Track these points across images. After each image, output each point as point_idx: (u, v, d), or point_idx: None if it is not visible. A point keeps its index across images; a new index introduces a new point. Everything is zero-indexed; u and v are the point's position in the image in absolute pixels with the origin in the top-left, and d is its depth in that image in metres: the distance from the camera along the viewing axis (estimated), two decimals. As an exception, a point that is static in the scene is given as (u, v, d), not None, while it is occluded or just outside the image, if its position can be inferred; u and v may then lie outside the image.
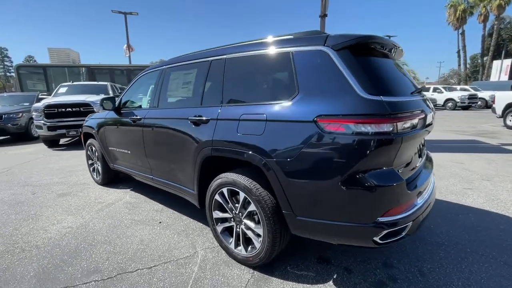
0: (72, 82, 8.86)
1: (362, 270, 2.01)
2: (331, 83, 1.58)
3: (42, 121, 6.88)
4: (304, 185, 1.64)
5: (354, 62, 1.55)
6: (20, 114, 8.22)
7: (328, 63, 1.60)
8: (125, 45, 15.31)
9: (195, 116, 2.24)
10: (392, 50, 1.90)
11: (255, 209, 1.88)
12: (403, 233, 1.61)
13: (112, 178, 4.05)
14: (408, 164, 1.71)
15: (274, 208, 1.80)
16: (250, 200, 1.89)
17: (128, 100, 3.34)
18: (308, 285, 1.88)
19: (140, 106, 3.17)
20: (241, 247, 2.08)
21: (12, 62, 48.49)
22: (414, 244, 2.31)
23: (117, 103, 3.34)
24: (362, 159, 1.45)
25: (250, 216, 1.99)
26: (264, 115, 1.79)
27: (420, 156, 1.97)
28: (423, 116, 1.66)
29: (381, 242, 1.55)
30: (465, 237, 2.40)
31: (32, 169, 5.22)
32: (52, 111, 6.84)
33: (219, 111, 2.10)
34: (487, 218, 2.75)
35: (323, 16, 6.21)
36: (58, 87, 8.56)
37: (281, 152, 1.68)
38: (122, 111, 3.30)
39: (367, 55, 1.65)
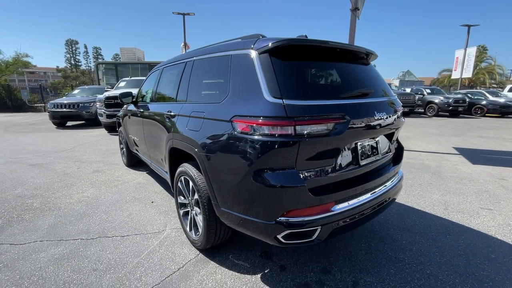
0: (130, 77, 10.32)
1: (296, 270, 2.04)
2: (248, 85, 1.66)
3: (103, 110, 8.29)
4: (222, 179, 1.78)
5: (270, 65, 1.60)
6: (92, 103, 10.01)
7: (251, 66, 1.68)
8: (182, 43, 16.89)
9: (167, 111, 2.55)
10: (333, 53, 1.83)
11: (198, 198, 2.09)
12: (313, 237, 1.61)
13: (135, 161, 4.74)
14: (332, 168, 1.67)
15: (208, 198, 1.98)
16: (195, 189, 2.11)
17: (140, 94, 3.88)
18: (237, 274, 2.01)
19: (146, 100, 3.66)
20: (192, 231, 2.32)
21: (104, 59, 58.03)
22: (369, 256, 2.19)
23: (135, 97, 3.92)
24: (262, 159, 1.52)
25: (197, 203, 2.21)
26: (204, 113, 1.98)
27: (364, 158, 1.86)
28: (344, 120, 1.59)
29: (284, 241, 1.59)
30: (435, 259, 2.15)
31: (88, 148, 6.43)
32: (110, 102, 8.17)
33: (182, 107, 2.35)
34: (481, 244, 2.36)
35: (354, 9, 5.81)
36: (119, 81, 10.13)
37: (208, 147, 1.84)
38: (138, 104, 3.85)
39: (290, 59, 1.67)
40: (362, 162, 1.84)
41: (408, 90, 16.81)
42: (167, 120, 2.57)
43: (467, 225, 2.68)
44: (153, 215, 2.96)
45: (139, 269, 2.07)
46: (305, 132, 1.49)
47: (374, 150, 1.96)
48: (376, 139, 1.97)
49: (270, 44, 1.63)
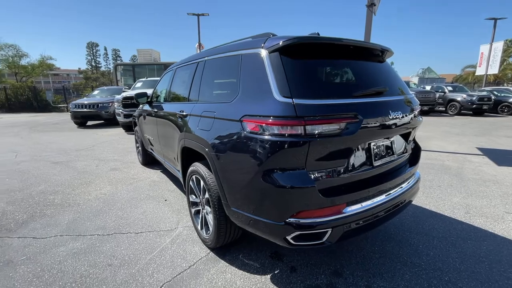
0: (147, 78, 10.59)
1: (307, 272, 2.01)
2: (259, 84, 1.65)
3: (120, 110, 8.56)
4: (232, 178, 1.78)
5: (280, 64, 1.58)
6: (110, 103, 10.36)
7: (261, 65, 1.67)
8: (197, 44, 17.11)
9: (180, 111, 2.58)
10: (346, 50, 1.78)
11: (209, 197, 2.11)
12: (324, 239, 1.57)
13: (150, 160, 4.85)
14: (344, 169, 1.62)
15: (218, 197, 1.99)
16: (205, 188, 2.13)
17: (155, 95, 3.96)
18: (247, 273, 2.01)
19: (160, 100, 3.73)
20: (203, 229, 2.35)
21: (122, 60, 59.96)
22: (383, 260, 2.12)
23: (150, 97, 4.01)
24: (271, 159, 1.50)
25: (208, 202, 2.22)
26: (215, 113, 1.98)
27: (378, 159, 1.79)
28: (356, 120, 1.54)
29: (294, 243, 1.57)
30: (454, 265, 2.04)
31: (106, 147, 6.66)
32: (127, 102, 8.40)
33: (194, 107, 2.38)
34: (506, 250, 2.22)
35: (370, 5, 5.63)
36: (136, 82, 10.42)
37: (218, 147, 1.85)
38: (152, 104, 3.94)
39: (300, 57, 1.63)
40: (376, 163, 1.77)
41: (428, 87, 16.16)
42: (180, 120, 2.60)
43: (490, 230, 2.53)
44: (166, 213, 3.02)
45: (152, 265, 2.12)
46: (316, 132, 1.45)
47: (389, 151, 1.89)
48: (391, 139, 1.90)
49: (280, 43, 1.61)
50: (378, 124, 1.67)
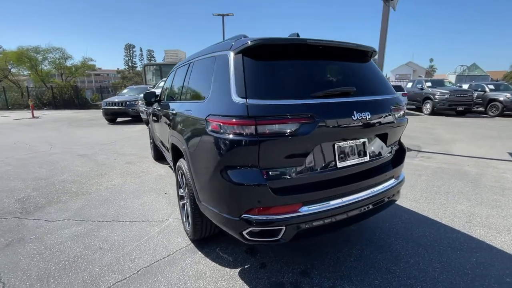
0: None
1: (276, 269, 2.04)
2: (223, 85, 1.72)
3: (143, 108, 9.10)
4: (199, 174, 1.88)
5: (241, 66, 1.64)
6: (137, 101, 11.06)
7: (226, 67, 1.74)
8: (221, 44, 17.54)
9: (171, 109, 2.75)
10: (314, 50, 1.78)
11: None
12: (278, 237, 1.61)
13: (160, 155, 5.14)
14: (301, 169, 1.63)
15: (193, 192, 2.10)
16: (185, 183, 2.26)
17: (162, 93, 4.20)
18: (218, 266, 2.10)
19: (163, 99, 3.95)
20: (186, 222, 2.48)
21: (156, 61, 63.22)
22: (357, 263, 2.08)
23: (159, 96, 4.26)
24: (226, 157, 1.57)
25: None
26: (191, 111, 2.10)
27: (343, 160, 1.76)
28: (311, 120, 1.55)
29: (249, 238, 1.62)
30: (432, 275, 1.94)
31: (127, 142, 7.17)
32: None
33: (180, 106, 2.52)
34: (498, 264, 2.05)
35: (387, 0, 5.35)
36: (159, 81, 11.00)
37: (190, 144, 1.96)
38: (160, 102, 4.19)
39: (263, 58, 1.68)
40: (341, 164, 1.75)
41: (465, 86, 14.84)
42: (171, 118, 2.77)
43: (488, 242, 2.34)
44: (163, 205, 3.22)
45: (136, 252, 2.30)
46: (267, 131, 1.49)
47: (360, 152, 1.85)
48: (362, 140, 1.85)
49: (243, 45, 1.67)
50: (339, 125, 1.65)
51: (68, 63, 23.18)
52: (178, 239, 2.49)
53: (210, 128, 1.70)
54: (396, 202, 3.12)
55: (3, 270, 2.09)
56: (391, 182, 2.05)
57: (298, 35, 2.19)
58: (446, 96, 12.50)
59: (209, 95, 1.90)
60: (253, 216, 1.57)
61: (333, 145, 1.72)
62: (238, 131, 1.51)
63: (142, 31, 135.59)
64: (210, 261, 2.17)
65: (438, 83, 14.73)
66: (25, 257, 2.25)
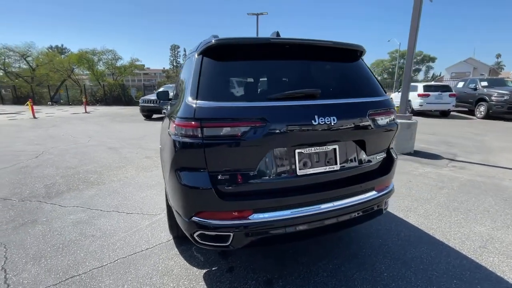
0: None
1: (241, 275, 1.99)
2: (186, 86, 1.72)
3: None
4: (165, 173, 1.91)
5: (199, 67, 1.62)
6: (170, 99, 11.73)
7: (191, 68, 1.74)
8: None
9: (165, 109, 2.85)
10: (280, 50, 1.67)
11: (167, 189, 2.30)
12: (228, 243, 1.56)
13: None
14: (253, 174, 1.56)
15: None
16: (165, 181, 2.33)
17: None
18: (188, 265, 2.13)
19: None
20: (170, 218, 2.56)
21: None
22: (329, 280, 1.92)
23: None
24: (177, 158, 1.57)
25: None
26: (165, 112, 2.15)
27: (305, 168, 1.64)
28: (261, 124, 1.46)
29: (199, 241, 1.61)
30: (411, 303, 1.70)
31: (153, 137, 7.65)
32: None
33: (169, 107, 2.60)
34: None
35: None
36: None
37: (161, 143, 2.01)
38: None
39: (222, 59, 1.63)
40: (302, 172, 1.63)
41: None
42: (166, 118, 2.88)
43: (499, 274, 1.97)
44: (161, 200, 3.37)
45: (120, 242, 2.45)
46: (213, 134, 1.46)
47: (329, 160, 1.70)
48: (331, 147, 1.69)
49: (205, 45, 1.65)
50: (296, 130, 1.53)
51: (118, 63, 25.64)
52: (162, 234, 2.58)
53: (170, 129, 1.72)
54: (400, 216, 2.82)
55: (10, 246, 2.40)
56: (371, 194, 1.84)
57: (278, 34, 2.10)
58: (505, 98, 10.83)
59: (178, 96, 1.93)
60: (201, 220, 1.55)
61: (294, 151, 1.61)
62: (185, 133, 1.50)
63: (186, 31, 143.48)
64: (182, 259, 2.21)
65: (497, 83, 12.84)
66: (31, 237, 2.55)
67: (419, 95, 12.30)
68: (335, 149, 1.71)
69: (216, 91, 1.55)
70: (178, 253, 2.29)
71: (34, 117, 13.12)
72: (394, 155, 2.01)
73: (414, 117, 5.83)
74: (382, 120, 1.82)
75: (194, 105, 1.49)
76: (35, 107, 15.61)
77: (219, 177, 1.54)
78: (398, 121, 5.09)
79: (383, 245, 2.34)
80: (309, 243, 2.36)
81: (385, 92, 1.98)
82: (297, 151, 1.61)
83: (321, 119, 1.55)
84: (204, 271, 2.06)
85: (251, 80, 1.66)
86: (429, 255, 2.19)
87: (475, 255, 2.19)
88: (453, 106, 12.30)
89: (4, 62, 25.28)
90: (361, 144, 1.81)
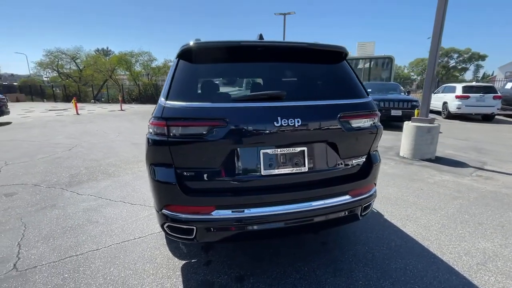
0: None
1: (217, 269, 2.07)
2: (163, 88, 1.84)
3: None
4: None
5: (174, 69, 1.73)
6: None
7: (170, 71, 1.86)
8: (281, 43, 17.55)
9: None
10: (252, 52, 1.71)
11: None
12: (192, 236, 1.65)
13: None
14: (216, 172, 1.62)
15: None
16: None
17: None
18: (170, 255, 2.27)
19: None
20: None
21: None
22: (299, 282, 1.91)
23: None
24: (149, 154, 1.70)
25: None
26: None
27: (270, 168, 1.66)
28: (222, 124, 1.52)
29: (169, 232, 1.72)
30: (378, 314, 1.63)
31: (174, 135, 8.06)
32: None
33: None
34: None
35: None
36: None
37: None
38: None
39: (195, 61, 1.72)
40: (266, 172, 1.65)
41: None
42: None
43: (473, 282, 1.79)
44: (164, 193, 3.58)
45: (118, 229, 2.68)
46: (178, 133, 1.55)
47: (297, 162, 1.70)
48: (299, 149, 1.69)
49: (181, 49, 1.76)
50: (258, 131, 1.56)
51: (153, 64, 27.31)
52: (156, 225, 2.76)
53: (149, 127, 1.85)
54: (397, 225, 2.68)
55: (28, 226, 2.75)
56: (343, 198, 1.80)
57: (261, 36, 2.13)
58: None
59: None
60: (169, 212, 1.66)
61: (259, 152, 1.64)
62: (155, 131, 1.62)
63: (217, 33, 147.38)
64: (167, 249, 2.35)
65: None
66: (47, 219, 2.89)
67: (457, 97, 11.29)
68: (303, 151, 1.70)
69: (185, 92, 1.65)
70: (165, 243, 2.44)
71: (77, 114, 14.55)
72: (375, 159, 1.93)
73: (450, 121, 5.42)
74: (358, 123, 1.77)
75: (163, 105, 1.61)
76: (79, 105, 17.29)
77: (184, 174, 1.63)
78: (417, 124, 4.80)
79: (368, 253, 2.25)
80: (290, 244, 2.36)
81: (367, 94, 1.91)
82: (262, 151, 1.64)
83: (284, 121, 1.56)
84: (184, 262, 2.18)
85: (220, 82, 1.73)
86: (415, 267, 2.06)
87: (469, 272, 2.01)
88: (498, 109, 11.07)
89: (58, 63, 28.30)
90: (334, 147, 1.77)
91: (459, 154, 5.57)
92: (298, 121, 1.59)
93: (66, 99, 25.69)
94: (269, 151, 1.65)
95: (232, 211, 1.62)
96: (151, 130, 1.66)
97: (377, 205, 3.16)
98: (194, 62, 1.74)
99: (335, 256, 2.21)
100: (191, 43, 1.70)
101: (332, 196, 1.77)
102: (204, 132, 1.54)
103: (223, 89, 1.71)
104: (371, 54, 15.11)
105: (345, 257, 2.20)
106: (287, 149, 1.68)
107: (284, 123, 1.57)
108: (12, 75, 60.73)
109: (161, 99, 1.67)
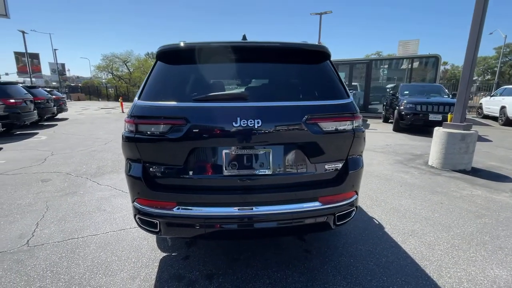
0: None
1: (191, 265, 2.12)
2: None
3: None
4: None
5: (151, 70, 1.82)
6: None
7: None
8: (317, 43, 17.07)
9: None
10: (223, 53, 1.72)
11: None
12: (157, 230, 1.73)
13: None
14: (179, 169, 1.66)
15: None
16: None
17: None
18: (154, 247, 2.39)
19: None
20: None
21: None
22: (269, 287, 1.86)
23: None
24: (123, 149, 1.81)
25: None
26: None
27: (233, 168, 1.65)
28: (182, 123, 1.55)
29: (140, 224, 1.82)
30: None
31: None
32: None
33: None
34: None
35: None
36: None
37: None
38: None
39: (168, 62, 1.80)
40: (228, 172, 1.64)
41: None
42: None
43: (484, 331, 1.53)
44: (171, 188, 3.78)
45: (121, 218, 2.91)
46: (143, 130, 1.63)
47: (262, 163, 1.66)
48: (263, 150, 1.65)
49: (158, 51, 1.85)
50: (218, 131, 1.56)
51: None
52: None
53: None
54: (397, 240, 2.44)
55: (50, 208, 3.14)
56: (311, 205, 1.69)
57: (245, 37, 2.13)
58: None
59: None
60: (137, 205, 1.76)
61: (221, 151, 1.64)
62: (128, 128, 1.73)
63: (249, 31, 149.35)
64: (154, 241, 2.48)
65: None
66: (66, 204, 3.27)
67: (517, 101, 9.79)
68: (268, 152, 1.66)
69: (156, 92, 1.73)
70: (153, 235, 2.57)
71: (123, 112, 16.07)
72: (353, 165, 1.78)
73: (507, 128, 4.75)
74: (329, 126, 1.66)
75: (135, 104, 1.71)
76: (127, 104, 19.02)
77: (151, 169, 1.71)
78: (448, 130, 4.29)
79: (351, 266, 2.09)
80: (272, 248, 2.30)
81: (348, 96, 1.78)
82: (224, 151, 1.64)
83: (243, 122, 1.54)
84: (165, 254, 2.27)
85: (188, 81, 1.76)
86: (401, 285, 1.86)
87: (466, 301, 1.74)
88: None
89: (112, 66, 31.62)
90: (303, 150, 1.69)
91: (505, 167, 4.82)
92: (258, 122, 1.55)
93: (117, 98, 28.55)
94: (231, 151, 1.65)
95: (192, 209, 1.66)
96: (125, 127, 1.79)
97: (380, 216, 2.91)
98: (169, 63, 1.82)
99: (314, 265, 2.10)
100: (166, 45, 1.78)
101: (298, 202, 1.69)
102: (166, 130, 1.60)
103: (185, 89, 1.75)
104: (414, 53, 13.81)
105: (324, 267, 2.07)
106: (251, 150, 1.65)
107: (243, 124, 1.55)
108: (77, 77, 69.66)
109: (135, 98, 1.78)
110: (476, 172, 4.45)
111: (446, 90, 9.51)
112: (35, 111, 9.28)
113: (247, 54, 1.78)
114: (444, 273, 2.01)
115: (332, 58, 1.91)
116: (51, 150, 6.21)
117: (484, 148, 6.24)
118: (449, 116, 4.68)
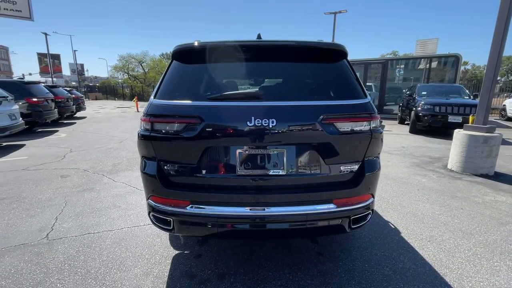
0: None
1: (203, 264, 2.13)
2: None
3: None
4: None
5: (167, 69, 1.84)
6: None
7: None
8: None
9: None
10: (238, 52, 1.71)
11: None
12: (171, 227, 1.74)
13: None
14: (193, 168, 1.67)
15: None
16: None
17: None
18: (168, 244, 2.41)
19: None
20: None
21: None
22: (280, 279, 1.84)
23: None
24: (139, 147, 1.83)
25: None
26: None
27: (247, 168, 1.64)
28: (196, 122, 1.55)
29: (153, 221, 1.84)
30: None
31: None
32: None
33: None
34: None
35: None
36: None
37: None
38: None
39: (184, 61, 1.81)
40: (241, 172, 1.63)
41: None
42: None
43: None
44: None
45: (135, 215, 2.96)
46: (158, 128, 1.65)
47: (276, 163, 1.64)
48: (277, 150, 1.62)
49: (173, 50, 1.87)
50: (232, 130, 1.55)
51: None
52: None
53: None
54: (414, 245, 2.36)
55: (68, 204, 3.24)
56: (326, 207, 1.65)
57: (259, 36, 2.11)
58: None
59: None
60: (152, 202, 1.78)
61: (234, 151, 1.64)
62: (143, 126, 1.75)
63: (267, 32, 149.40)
64: (167, 238, 2.51)
65: None
66: (83, 200, 3.37)
67: (545, 102, 9.27)
68: (282, 152, 1.64)
69: (171, 91, 1.74)
70: (164, 232, 2.60)
71: (137, 111, 16.45)
72: (370, 167, 1.73)
73: None
74: (346, 126, 1.61)
75: (150, 103, 1.73)
76: (141, 103, 19.45)
77: (165, 167, 1.73)
78: (469, 133, 4.12)
79: (366, 271, 2.03)
80: (284, 249, 2.28)
81: (365, 96, 1.73)
82: (237, 151, 1.63)
83: (258, 121, 1.53)
84: (177, 252, 2.29)
85: (203, 80, 1.77)
86: (418, 296, 1.78)
87: (490, 313, 1.65)
88: None
89: (128, 67, 32.48)
90: (318, 151, 1.65)
91: (531, 171, 4.56)
92: (272, 122, 1.53)
93: (132, 98, 29.28)
94: (244, 151, 1.63)
95: (205, 208, 1.66)
96: (141, 125, 1.81)
97: (396, 220, 2.82)
98: (184, 63, 1.83)
99: (326, 269, 2.05)
100: (181, 44, 1.79)
101: (312, 203, 1.65)
102: (180, 129, 1.61)
103: (200, 88, 1.76)
104: (433, 52, 13.29)
105: (337, 271, 2.03)
106: (264, 150, 1.63)
107: (258, 123, 1.53)
108: (95, 77, 72.05)
109: (151, 97, 1.80)
110: (499, 177, 4.24)
111: (467, 91, 9.12)
112: (55, 110, 9.66)
113: (262, 53, 1.76)
114: (466, 282, 1.92)
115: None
116: (70, 147, 6.43)
117: (508, 152, 5.93)
118: (470, 117, 4.48)
